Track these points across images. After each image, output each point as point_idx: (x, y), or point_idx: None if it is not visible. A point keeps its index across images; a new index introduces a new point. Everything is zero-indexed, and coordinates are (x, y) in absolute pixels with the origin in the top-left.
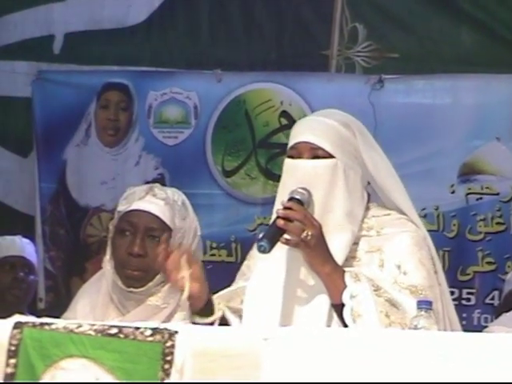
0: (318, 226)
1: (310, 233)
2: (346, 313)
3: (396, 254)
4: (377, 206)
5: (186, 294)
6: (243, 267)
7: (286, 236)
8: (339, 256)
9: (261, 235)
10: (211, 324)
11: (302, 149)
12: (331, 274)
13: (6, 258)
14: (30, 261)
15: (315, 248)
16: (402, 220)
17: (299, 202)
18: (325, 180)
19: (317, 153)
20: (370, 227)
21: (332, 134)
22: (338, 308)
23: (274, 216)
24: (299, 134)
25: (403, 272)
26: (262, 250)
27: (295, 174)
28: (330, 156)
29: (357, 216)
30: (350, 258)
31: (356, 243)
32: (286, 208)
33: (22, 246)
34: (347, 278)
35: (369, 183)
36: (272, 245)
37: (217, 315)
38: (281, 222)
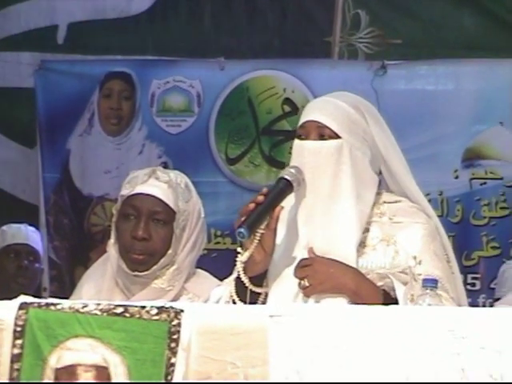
0: (316, 269)
1: (306, 284)
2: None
3: (410, 246)
4: (387, 192)
5: (246, 254)
6: None
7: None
8: (351, 241)
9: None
10: (259, 294)
11: (309, 127)
12: (357, 291)
13: (11, 246)
14: (35, 249)
15: (322, 288)
16: (413, 209)
17: (288, 182)
18: (330, 161)
19: (323, 132)
20: (382, 213)
21: (340, 114)
22: None
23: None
24: (308, 113)
25: (418, 262)
26: (241, 237)
27: (302, 155)
28: (337, 136)
29: (367, 199)
30: (364, 245)
31: (368, 229)
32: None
33: (27, 234)
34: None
35: (380, 173)
36: (251, 231)
37: (267, 289)
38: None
